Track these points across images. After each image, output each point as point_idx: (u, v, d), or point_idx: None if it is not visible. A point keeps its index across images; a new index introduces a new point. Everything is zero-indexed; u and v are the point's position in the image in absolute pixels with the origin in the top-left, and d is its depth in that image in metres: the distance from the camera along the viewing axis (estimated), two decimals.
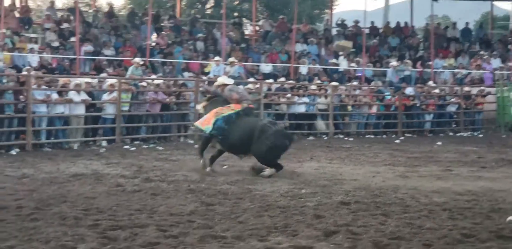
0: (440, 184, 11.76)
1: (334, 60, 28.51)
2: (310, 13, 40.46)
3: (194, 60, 26.18)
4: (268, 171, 12.61)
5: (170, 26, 29.31)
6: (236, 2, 42.04)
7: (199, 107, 13.99)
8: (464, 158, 16.68)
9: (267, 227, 7.72)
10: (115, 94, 18.94)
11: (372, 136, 24.31)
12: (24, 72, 18.26)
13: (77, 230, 7.39)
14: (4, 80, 17.24)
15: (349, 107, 24.33)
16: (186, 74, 24.87)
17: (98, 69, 23.82)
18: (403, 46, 31.83)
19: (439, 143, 21.07)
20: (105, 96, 19.10)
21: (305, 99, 23.73)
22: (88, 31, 26.15)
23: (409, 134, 25.28)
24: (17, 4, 27.46)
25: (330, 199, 9.94)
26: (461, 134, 26.14)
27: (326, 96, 23.98)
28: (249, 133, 12.73)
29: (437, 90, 26.82)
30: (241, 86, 14.32)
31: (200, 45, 27.67)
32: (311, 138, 22.86)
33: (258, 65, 27.13)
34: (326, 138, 23.07)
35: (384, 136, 24.49)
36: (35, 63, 22.28)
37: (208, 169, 13.03)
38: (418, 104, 25.85)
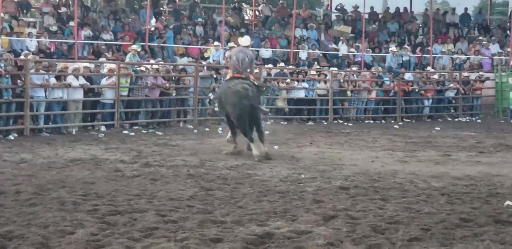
0: (438, 169, 11.76)
1: (333, 46, 28.46)
2: None
3: (194, 45, 26.12)
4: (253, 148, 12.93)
5: (169, 10, 29.23)
6: None
7: None
8: (463, 143, 16.68)
9: (267, 212, 7.72)
10: (114, 79, 18.89)
11: (371, 121, 24.32)
12: (22, 57, 18.19)
13: (75, 215, 7.37)
14: (2, 65, 17.17)
15: (349, 93, 24.31)
16: (185, 59, 24.82)
17: (97, 53, 23.76)
18: (402, 31, 31.80)
19: (438, 128, 21.08)
20: (104, 81, 19.04)
21: (305, 85, 23.72)
22: (86, 15, 26.07)
23: (408, 119, 25.29)
24: None
25: (329, 184, 9.94)
26: (460, 119, 26.16)
27: (325, 82, 23.96)
28: (224, 98, 13.43)
29: (435, 76, 26.83)
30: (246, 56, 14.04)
31: (199, 30, 27.59)
32: (310, 123, 22.86)
33: (257, 50, 27.07)
34: (325, 123, 23.06)
35: (383, 121, 24.51)
36: (33, 48, 22.24)
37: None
38: (417, 90, 25.85)
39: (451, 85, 26.85)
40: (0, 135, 16.40)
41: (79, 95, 18.25)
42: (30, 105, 16.92)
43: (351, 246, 6.23)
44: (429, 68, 28.08)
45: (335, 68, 25.38)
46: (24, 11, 26.15)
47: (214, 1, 34.49)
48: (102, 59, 22.36)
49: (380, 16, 32.73)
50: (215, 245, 6.23)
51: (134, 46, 21.64)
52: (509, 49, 30.22)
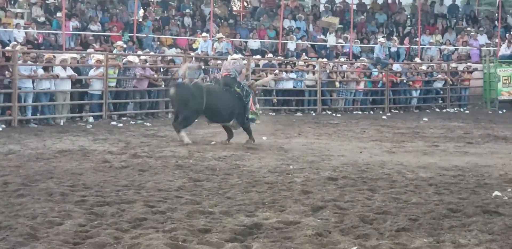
0: (426, 159, 11.79)
1: (322, 37, 28.45)
2: None
3: (182, 36, 26.05)
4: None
5: (157, 1, 29.12)
6: None
7: None
8: (450, 133, 16.73)
9: (255, 203, 7.72)
10: (101, 70, 18.82)
11: (360, 112, 24.35)
12: (10, 48, 18.07)
13: (63, 206, 7.35)
14: None
15: (337, 84, 24.31)
16: (173, 50, 24.76)
17: (85, 44, 23.67)
18: (390, 22, 31.80)
19: (426, 119, 21.12)
20: (92, 72, 18.97)
21: (293, 76, 23.69)
22: (74, 6, 25.95)
23: (396, 110, 25.34)
24: None
25: (318, 174, 9.95)
26: (448, 109, 26.24)
27: (314, 73, 23.94)
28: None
29: (423, 67, 26.86)
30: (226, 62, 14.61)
31: (187, 21, 27.51)
32: (299, 114, 22.86)
33: (246, 41, 27.05)
34: (314, 114, 23.07)
35: (371, 112, 24.54)
36: (21, 39, 22.12)
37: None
38: (405, 81, 25.88)
39: (439, 76, 26.90)
40: None
41: (67, 86, 18.17)
42: (18, 96, 16.82)
43: (339, 237, 6.24)
44: (417, 59, 28.12)
45: (324, 59, 25.36)
46: (12, 2, 25.99)
47: None
48: (90, 50, 22.26)
49: (368, 7, 32.71)
50: (204, 235, 6.23)
51: (119, 43, 21.48)
52: (497, 40, 30.29)
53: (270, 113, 22.62)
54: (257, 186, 8.86)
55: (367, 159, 11.84)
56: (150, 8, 27.80)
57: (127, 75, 19.65)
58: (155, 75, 20.35)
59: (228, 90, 13.92)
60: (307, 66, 24.17)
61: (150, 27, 25.37)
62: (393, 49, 28.20)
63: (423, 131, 17.24)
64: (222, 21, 28.12)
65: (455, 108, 26.63)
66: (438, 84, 26.94)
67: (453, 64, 27.67)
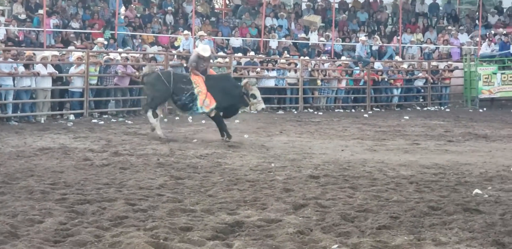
0: (407, 158, 11.84)
1: (303, 35, 28.46)
2: None
3: (164, 34, 25.99)
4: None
5: None
6: None
7: None
8: (431, 131, 16.79)
9: (237, 201, 7.72)
10: (82, 67, 18.73)
11: (341, 110, 24.39)
12: None
13: (44, 204, 7.31)
14: None
15: (319, 82, 24.33)
16: (155, 48, 24.69)
17: (66, 42, 23.55)
18: (372, 21, 31.88)
19: (407, 117, 21.20)
20: (73, 70, 18.87)
21: (275, 74, 23.70)
22: (55, 3, 25.81)
23: (377, 108, 25.39)
24: None
25: (299, 172, 9.96)
26: (429, 108, 26.32)
27: (295, 71, 23.95)
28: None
29: (405, 65, 26.93)
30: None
31: (169, 18, 27.45)
32: (280, 112, 22.86)
33: (228, 39, 27.01)
34: (295, 112, 23.09)
35: (353, 110, 24.59)
36: (1, 36, 21.99)
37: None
38: (386, 79, 25.94)
39: (420, 74, 26.98)
40: None
41: (47, 83, 18.05)
42: None
43: (320, 234, 6.24)
44: (397, 57, 28.20)
45: (306, 57, 25.38)
46: None
47: None
48: (71, 47, 22.16)
49: (350, 5, 32.75)
50: (185, 233, 6.22)
51: (100, 39, 21.42)
52: (477, 39, 30.43)
53: (251, 111, 22.59)
54: (238, 184, 8.86)
55: (348, 157, 11.87)
56: (132, 5, 27.69)
57: (108, 73, 19.58)
58: (137, 73, 20.27)
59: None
60: (289, 64, 24.17)
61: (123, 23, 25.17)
62: (374, 48, 28.27)
63: (404, 129, 17.30)
64: (204, 19, 28.08)
65: (436, 107, 26.72)
66: (419, 83, 27.01)
67: (434, 63, 27.75)
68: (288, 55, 25.87)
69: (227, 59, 22.81)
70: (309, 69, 24.23)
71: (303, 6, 32.20)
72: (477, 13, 33.37)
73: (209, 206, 7.42)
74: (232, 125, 17.38)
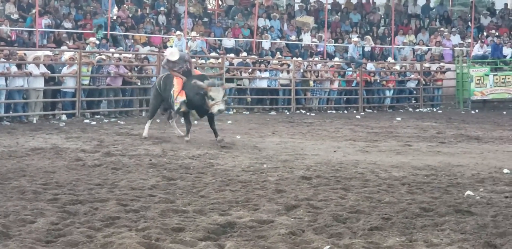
0: (399, 159, 11.85)
1: (293, 37, 28.44)
2: None
3: (156, 34, 25.96)
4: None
5: None
6: None
7: None
8: (423, 133, 16.82)
9: (229, 201, 7.72)
10: (75, 67, 18.70)
11: (334, 111, 24.42)
12: None
13: (36, 204, 7.30)
14: None
15: (311, 83, 24.36)
16: (147, 48, 24.67)
17: (58, 42, 23.50)
18: (365, 22, 31.91)
19: (399, 119, 21.23)
20: (65, 70, 18.84)
21: (267, 74, 23.70)
22: (48, 3, 25.74)
23: (370, 110, 25.44)
24: None
25: (292, 173, 9.97)
26: (421, 109, 26.38)
27: (288, 72, 23.96)
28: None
29: (397, 67, 26.98)
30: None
31: (162, 19, 27.42)
32: (273, 113, 22.87)
33: (220, 40, 26.99)
34: (288, 113, 23.10)
35: (345, 111, 24.62)
36: None
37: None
38: (378, 80, 25.98)
39: (412, 76, 27.04)
40: None
41: (40, 83, 18.02)
42: None
43: (312, 235, 6.25)
44: (390, 59, 28.25)
45: (298, 58, 25.39)
46: None
47: None
48: (64, 47, 22.11)
49: (342, 6, 32.79)
50: (177, 234, 6.22)
51: (92, 39, 21.40)
52: (469, 41, 30.52)
53: (244, 112, 22.63)
54: (231, 185, 8.86)
55: (340, 158, 11.88)
56: (124, 5, 27.64)
57: (100, 73, 19.57)
58: (129, 73, 20.28)
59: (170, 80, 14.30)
60: (282, 65, 24.18)
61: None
62: (367, 49, 28.32)
63: (397, 131, 17.33)
64: (197, 19, 28.05)
65: (428, 108, 26.78)
66: (412, 84, 27.07)
67: (426, 64, 27.83)
68: (280, 56, 25.88)
69: (219, 60, 22.82)
70: (302, 70, 24.26)
71: (296, 7, 32.21)
72: (469, 15, 33.46)
73: (201, 206, 7.42)
74: (225, 125, 17.41)
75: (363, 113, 23.92)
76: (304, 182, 9.18)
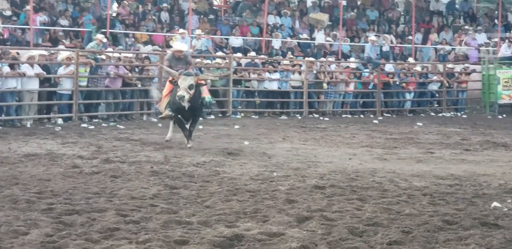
0: (420, 167, 11.82)
1: (305, 36, 28.42)
2: None
3: (158, 33, 26.01)
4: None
5: None
6: None
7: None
8: (447, 139, 16.79)
9: (236, 212, 7.71)
10: (72, 67, 18.74)
11: (349, 116, 24.42)
12: None
13: (29, 214, 7.31)
14: None
15: (325, 85, 24.36)
16: (149, 47, 24.71)
17: (54, 40, 23.57)
18: (383, 19, 31.89)
19: (420, 124, 21.20)
20: (61, 70, 18.89)
21: (278, 76, 23.70)
22: None
23: (388, 114, 25.42)
24: None
25: (304, 182, 9.95)
26: (444, 114, 26.35)
27: (300, 73, 23.97)
28: None
29: (418, 68, 26.94)
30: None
31: (164, 16, 27.47)
32: (283, 117, 22.88)
33: (227, 39, 27.02)
34: (300, 117, 23.09)
35: (362, 116, 24.62)
36: None
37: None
38: (397, 82, 25.94)
39: (435, 77, 27.01)
40: None
41: (34, 85, 18.07)
42: None
43: None
44: (410, 59, 28.22)
45: (311, 58, 25.39)
46: None
47: None
48: (60, 46, 22.17)
49: (359, 3, 32.81)
50: (180, 247, 6.22)
51: (99, 36, 21.32)
52: (496, 40, 30.43)
53: (253, 116, 22.64)
54: (238, 194, 8.85)
55: (356, 166, 11.86)
56: (125, 2, 27.71)
57: (99, 74, 19.61)
58: (129, 74, 20.30)
59: None
60: (293, 65, 24.21)
61: (92, 20, 24.96)
62: (385, 48, 28.31)
63: (417, 137, 17.30)
64: (202, 16, 28.09)
65: (452, 113, 26.74)
66: (434, 87, 27.04)
67: (450, 65, 27.78)
68: (292, 56, 25.87)
69: (226, 60, 22.83)
70: (315, 71, 24.26)
71: (308, 3, 32.19)
72: (496, 12, 33.38)
73: (206, 217, 7.41)
74: (232, 130, 17.43)
75: (381, 117, 23.90)
76: (317, 192, 9.16)
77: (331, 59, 26.36)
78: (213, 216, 7.52)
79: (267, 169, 11.21)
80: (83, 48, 21.43)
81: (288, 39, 27.83)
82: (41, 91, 18.42)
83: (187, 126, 14.08)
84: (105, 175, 10.23)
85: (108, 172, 10.44)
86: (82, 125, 17.98)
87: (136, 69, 21.01)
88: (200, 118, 14.71)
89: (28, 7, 23.59)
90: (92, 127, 17.78)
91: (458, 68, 27.92)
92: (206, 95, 14.14)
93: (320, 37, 28.58)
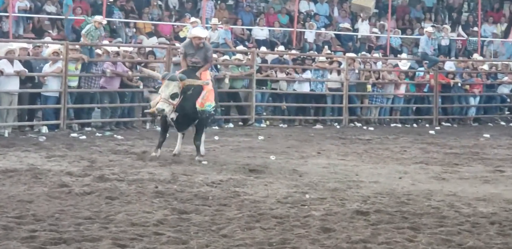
0: (487, 189, 11.79)
1: (346, 25, 28.41)
2: None
3: (165, 22, 26.09)
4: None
5: None
6: None
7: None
8: None
9: (259, 243, 7.73)
10: (60, 64, 18.81)
11: (399, 125, 24.37)
12: None
13: (7, 244, 7.36)
14: None
15: (369, 87, 24.31)
16: (154, 39, 24.79)
17: (38, 31, 23.68)
18: (441, 7, 31.83)
19: (487, 135, 21.13)
20: (47, 68, 18.97)
21: (311, 75, 23.68)
22: None
23: (448, 123, 25.36)
24: None
25: (343, 207, 9.96)
26: None
27: (339, 72, 23.95)
28: None
29: (485, 66, 26.84)
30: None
31: (173, 1, 27.58)
32: (318, 126, 22.87)
33: (249, 30, 27.07)
34: (338, 126, 23.08)
35: (415, 125, 24.56)
36: None
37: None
38: (460, 84, 25.86)
39: (506, 78, 26.88)
40: None
41: (14, 85, 18.17)
42: None
43: None
44: (476, 55, 28.11)
45: (352, 54, 25.38)
46: None
47: None
48: (46, 38, 22.27)
49: None
50: None
51: (98, 17, 21.10)
52: None
53: (281, 125, 22.65)
54: (262, 221, 8.87)
55: (408, 187, 11.85)
56: None
57: (93, 72, 19.62)
58: (130, 73, 20.30)
59: None
60: (330, 63, 24.19)
61: (70, 6, 24.96)
62: (444, 42, 28.23)
63: (484, 151, 17.25)
64: (219, 2, 28.18)
65: None
66: (505, 90, 26.91)
67: None
68: (329, 51, 25.86)
69: (248, 56, 22.85)
70: (357, 70, 24.23)
71: None
72: None
73: None
74: (255, 142, 17.45)
75: (438, 127, 23.85)
76: (359, 219, 9.16)
77: (377, 55, 26.32)
78: (231, 247, 7.54)
79: (298, 190, 11.22)
80: (74, 40, 21.48)
81: (325, 31, 27.81)
82: (22, 93, 18.48)
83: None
84: (99, 196, 10.27)
85: (103, 192, 10.47)
86: (72, 134, 18.05)
87: (138, 67, 21.03)
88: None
89: None
90: (84, 137, 17.85)
91: None
92: (207, 101, 14.20)
93: (364, 28, 28.57)
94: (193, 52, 14.30)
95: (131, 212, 9.19)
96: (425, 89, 25.41)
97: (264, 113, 23.00)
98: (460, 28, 30.37)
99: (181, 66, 14.48)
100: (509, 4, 32.28)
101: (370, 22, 28.98)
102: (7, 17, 23.21)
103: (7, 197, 9.98)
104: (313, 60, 24.37)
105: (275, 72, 23.23)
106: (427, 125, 24.59)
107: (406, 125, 24.49)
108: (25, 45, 19.20)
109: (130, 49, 21.63)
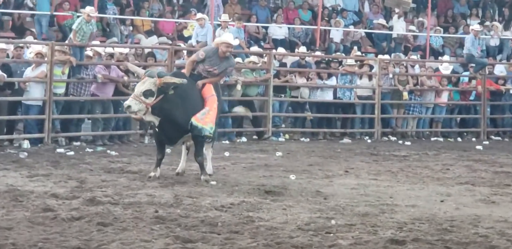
0: None
1: (381, 21, 28.45)
2: None
3: (167, 19, 26.17)
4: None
5: None
6: None
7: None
8: None
9: None
10: (44, 68, 18.86)
11: (441, 139, 24.37)
12: None
13: None
14: None
15: (406, 95, 24.32)
16: (154, 39, 24.86)
17: (19, 29, 23.77)
18: (490, 1, 31.81)
19: None
20: (29, 72, 19.03)
21: (337, 81, 23.70)
22: None
23: (498, 136, 25.32)
24: None
25: (375, 235, 9.96)
26: None
27: (370, 77, 23.97)
28: None
29: None
30: None
31: None
32: (346, 140, 22.87)
33: (265, 28, 27.12)
34: (370, 140, 23.08)
35: (459, 139, 24.54)
36: None
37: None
38: (511, 91, 25.85)
39: None
40: None
41: None
42: None
43: None
44: None
45: (386, 56, 25.40)
46: None
47: None
48: (28, 38, 22.36)
49: None
50: None
51: (87, 9, 21.01)
52: None
53: (302, 139, 22.66)
54: None
55: (451, 211, 11.84)
56: None
57: (82, 78, 19.65)
58: (125, 78, 20.33)
59: None
60: (361, 66, 24.21)
61: None
62: (493, 42, 28.21)
63: None
64: None
65: None
66: None
67: None
68: (358, 53, 25.87)
69: (264, 58, 22.86)
70: (391, 74, 24.24)
71: None
72: None
73: None
74: (272, 159, 17.45)
75: (487, 142, 23.82)
76: (394, 248, 9.16)
77: (415, 57, 26.32)
78: None
79: (322, 215, 11.22)
80: (60, 40, 21.53)
81: (353, 29, 27.84)
82: (0, 101, 18.56)
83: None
84: (89, 221, 10.28)
85: (94, 218, 10.49)
86: (58, 150, 18.11)
87: (124, 62, 20.99)
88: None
89: None
90: (72, 152, 17.90)
91: None
92: (210, 123, 14.10)
93: (400, 26, 28.58)
94: (215, 62, 14.25)
95: (126, 240, 9.21)
96: (471, 97, 25.41)
97: (283, 126, 23.01)
98: None
99: (185, 70, 14.44)
100: None
101: (406, 18, 29.04)
102: None
103: None
104: (340, 63, 24.39)
105: (295, 77, 23.25)
106: (473, 139, 24.58)
107: (449, 139, 24.49)
108: (2, 45, 19.21)
109: (126, 50, 21.67)
